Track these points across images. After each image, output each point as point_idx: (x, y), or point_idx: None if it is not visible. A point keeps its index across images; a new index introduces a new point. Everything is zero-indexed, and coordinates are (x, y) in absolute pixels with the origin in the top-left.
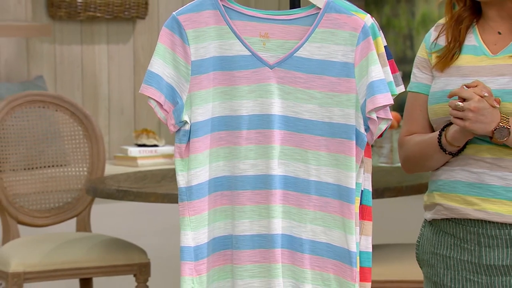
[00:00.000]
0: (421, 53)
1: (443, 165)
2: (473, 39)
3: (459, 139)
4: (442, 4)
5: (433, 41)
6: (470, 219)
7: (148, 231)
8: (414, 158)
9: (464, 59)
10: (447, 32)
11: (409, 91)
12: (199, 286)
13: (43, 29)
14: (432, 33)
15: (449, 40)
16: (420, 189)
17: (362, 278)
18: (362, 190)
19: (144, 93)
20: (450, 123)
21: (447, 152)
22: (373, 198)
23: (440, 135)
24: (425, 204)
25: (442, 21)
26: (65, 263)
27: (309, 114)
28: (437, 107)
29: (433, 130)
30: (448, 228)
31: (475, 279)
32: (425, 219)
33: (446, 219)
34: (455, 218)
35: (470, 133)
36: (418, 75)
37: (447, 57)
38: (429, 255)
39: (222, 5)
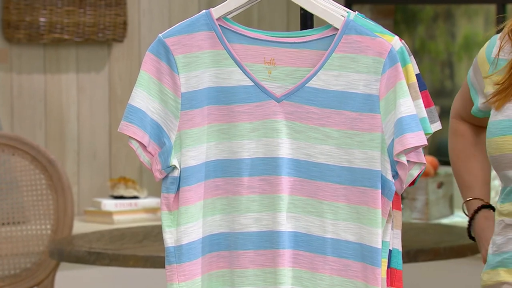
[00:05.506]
0: (481, 61)
1: (508, 234)
2: None
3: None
4: (489, 24)
5: (495, 57)
6: None
7: None
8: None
9: None
10: None
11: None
12: None
13: None
14: (496, 42)
15: None
16: (462, 251)
17: None
18: (390, 250)
19: (123, 132)
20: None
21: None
22: (404, 261)
23: (469, 225)
24: (484, 284)
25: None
26: None
27: (325, 157)
28: (502, 140)
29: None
30: None
31: None
32: None
33: None
34: None
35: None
36: (472, 76)
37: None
38: None
39: (219, 25)
